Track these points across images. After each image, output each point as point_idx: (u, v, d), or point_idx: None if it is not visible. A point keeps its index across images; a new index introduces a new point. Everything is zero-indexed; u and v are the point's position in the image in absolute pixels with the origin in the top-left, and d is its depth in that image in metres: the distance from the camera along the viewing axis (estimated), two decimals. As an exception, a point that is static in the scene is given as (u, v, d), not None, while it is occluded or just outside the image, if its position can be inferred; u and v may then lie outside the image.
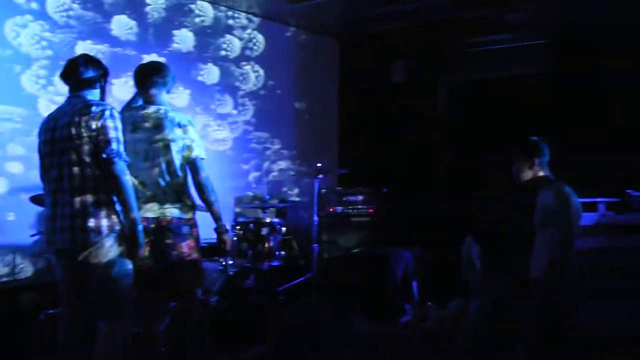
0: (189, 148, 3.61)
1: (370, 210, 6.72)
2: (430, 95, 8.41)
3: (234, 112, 7.20)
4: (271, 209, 6.37)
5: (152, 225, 3.54)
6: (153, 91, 3.69)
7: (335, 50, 7.99)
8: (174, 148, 3.57)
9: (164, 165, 3.57)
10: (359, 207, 6.71)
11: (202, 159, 3.67)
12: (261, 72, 7.40)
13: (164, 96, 3.73)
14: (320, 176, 5.94)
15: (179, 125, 3.60)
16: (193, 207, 3.69)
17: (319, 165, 5.97)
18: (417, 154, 8.05)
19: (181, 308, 3.79)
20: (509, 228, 4.02)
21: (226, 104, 7.13)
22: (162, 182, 3.58)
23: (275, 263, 5.67)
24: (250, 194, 7.15)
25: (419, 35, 7.92)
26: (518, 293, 3.62)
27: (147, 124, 3.60)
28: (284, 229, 5.87)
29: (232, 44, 7.16)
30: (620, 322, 4.87)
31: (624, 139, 6.43)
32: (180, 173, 3.62)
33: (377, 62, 8.10)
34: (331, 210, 6.58)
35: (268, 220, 5.79)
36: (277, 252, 5.68)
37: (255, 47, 7.39)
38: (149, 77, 3.70)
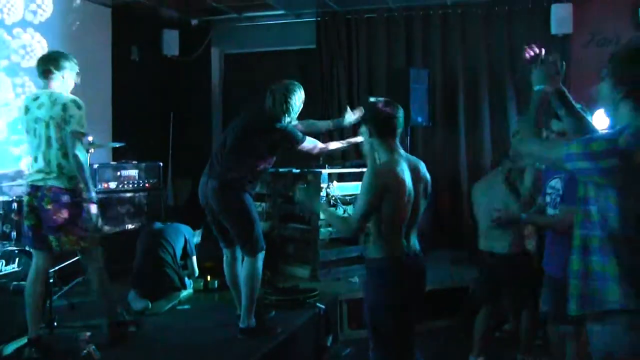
0: (67, 123, 4.01)
1: (147, 185, 6.59)
2: (203, 67, 8.42)
3: (11, 96, 6.18)
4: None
5: (37, 193, 4.05)
6: (48, 78, 4.15)
7: (107, 19, 7.61)
8: (52, 124, 4.03)
9: (43, 140, 4.06)
10: (135, 181, 6.55)
11: (80, 133, 4.05)
12: (44, 42, 6.49)
13: (59, 81, 4.17)
14: (91, 150, 5.67)
15: (61, 105, 4.03)
16: (73, 179, 4.06)
17: (90, 138, 5.69)
18: (194, 126, 8.02)
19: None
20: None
21: (5, 86, 6.14)
22: (45, 155, 4.06)
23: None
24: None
25: (190, 7, 7.88)
26: None
27: (35, 106, 4.10)
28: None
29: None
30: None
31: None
32: (56, 147, 4.04)
33: (150, 33, 7.93)
34: (105, 185, 6.35)
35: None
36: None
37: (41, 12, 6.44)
38: (41, 66, 4.17)
